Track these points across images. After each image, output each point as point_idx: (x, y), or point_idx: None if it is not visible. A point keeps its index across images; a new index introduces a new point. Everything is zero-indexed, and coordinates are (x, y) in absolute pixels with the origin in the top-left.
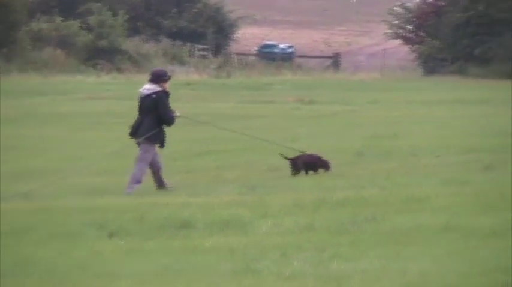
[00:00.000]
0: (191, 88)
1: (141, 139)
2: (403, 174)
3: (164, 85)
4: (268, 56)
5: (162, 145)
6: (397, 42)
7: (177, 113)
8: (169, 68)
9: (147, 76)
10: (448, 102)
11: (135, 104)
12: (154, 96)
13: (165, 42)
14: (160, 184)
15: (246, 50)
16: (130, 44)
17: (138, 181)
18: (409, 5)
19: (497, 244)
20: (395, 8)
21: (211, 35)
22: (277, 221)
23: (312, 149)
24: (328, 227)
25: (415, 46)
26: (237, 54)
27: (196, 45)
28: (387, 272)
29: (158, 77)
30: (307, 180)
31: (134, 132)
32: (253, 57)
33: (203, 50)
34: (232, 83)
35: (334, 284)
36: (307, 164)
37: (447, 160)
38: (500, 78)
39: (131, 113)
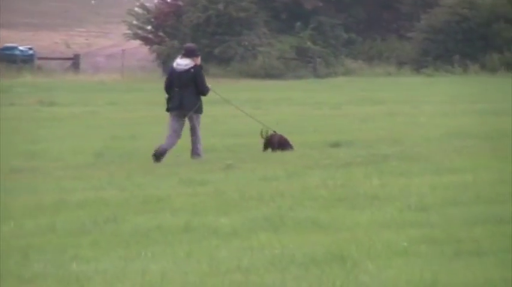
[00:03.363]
0: None
1: (191, 112)
2: (143, 174)
3: (196, 59)
4: (9, 58)
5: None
6: (137, 43)
7: (209, 85)
8: None
9: None
10: None
11: None
12: (192, 70)
13: None
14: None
15: None
16: None
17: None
18: (149, 5)
19: (238, 244)
20: (135, 9)
21: None
22: (19, 223)
23: (53, 151)
24: (69, 229)
25: (155, 46)
26: None
27: None
28: (128, 272)
29: (192, 52)
30: (48, 182)
31: (178, 106)
32: None
33: None
34: None
35: (76, 285)
36: (280, 143)
37: (187, 160)
38: (239, 78)
39: None
